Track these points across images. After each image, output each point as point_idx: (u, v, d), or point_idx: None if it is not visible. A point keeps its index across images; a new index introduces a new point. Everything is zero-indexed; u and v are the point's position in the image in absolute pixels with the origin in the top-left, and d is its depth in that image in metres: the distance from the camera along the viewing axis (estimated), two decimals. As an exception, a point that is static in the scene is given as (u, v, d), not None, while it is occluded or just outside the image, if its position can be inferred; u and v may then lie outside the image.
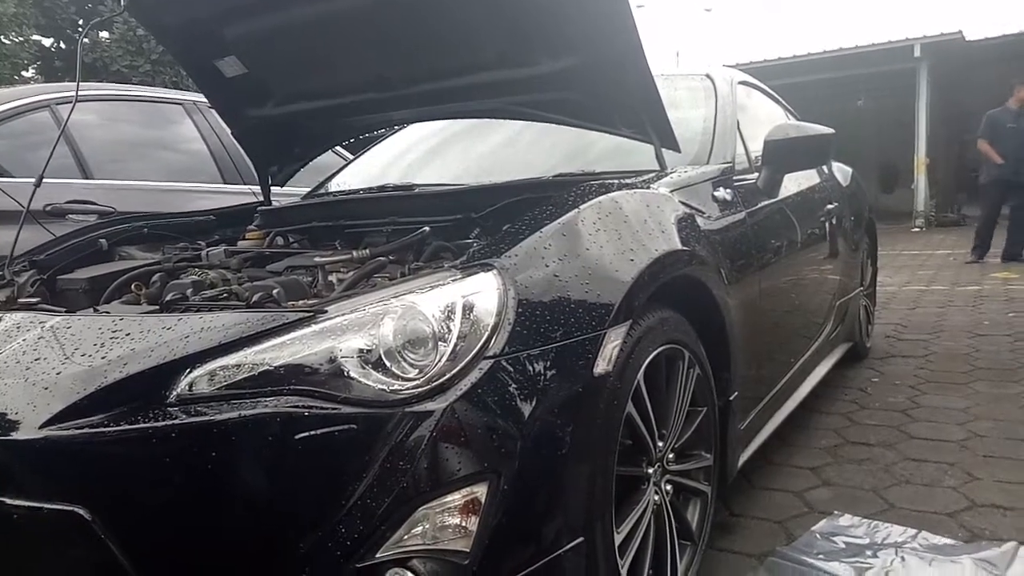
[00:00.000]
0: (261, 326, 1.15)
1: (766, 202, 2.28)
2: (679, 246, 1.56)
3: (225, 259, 2.05)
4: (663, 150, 1.97)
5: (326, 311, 1.18)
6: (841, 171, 3.72)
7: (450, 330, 1.15)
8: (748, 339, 1.99)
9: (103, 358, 1.15)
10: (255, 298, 1.38)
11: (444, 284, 1.20)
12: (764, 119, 2.90)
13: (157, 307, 1.57)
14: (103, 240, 2.23)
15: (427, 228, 1.84)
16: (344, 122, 2.49)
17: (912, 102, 13.86)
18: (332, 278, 1.73)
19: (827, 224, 2.97)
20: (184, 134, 3.73)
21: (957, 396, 3.05)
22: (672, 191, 1.77)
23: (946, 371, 3.47)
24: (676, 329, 1.54)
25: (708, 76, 2.63)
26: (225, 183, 3.72)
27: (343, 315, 1.16)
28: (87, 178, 3.22)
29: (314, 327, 1.15)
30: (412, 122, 2.51)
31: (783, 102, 3.43)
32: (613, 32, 1.75)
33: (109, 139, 3.45)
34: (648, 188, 1.70)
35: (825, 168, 3.30)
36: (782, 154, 2.28)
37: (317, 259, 1.72)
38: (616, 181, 1.67)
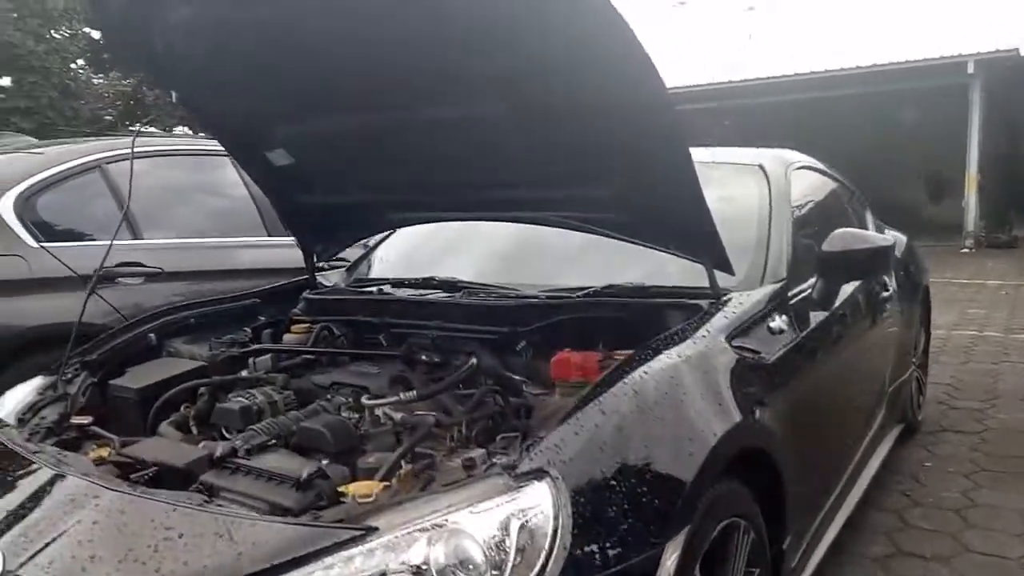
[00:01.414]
0: (313, 545, 1.13)
1: (821, 317, 2.20)
2: (739, 418, 1.51)
3: (271, 370, 2.05)
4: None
5: (377, 528, 1.15)
6: (895, 241, 3.60)
7: (505, 552, 1.12)
8: (801, 470, 1.93)
9: (156, 571, 1.14)
10: (305, 473, 1.36)
11: (497, 500, 1.16)
12: (821, 210, 2.81)
13: (205, 449, 1.57)
14: (152, 335, 2.24)
15: (474, 361, 1.82)
16: (392, 215, 2.47)
17: (962, 114, 13.45)
18: (379, 412, 1.72)
19: (882, 313, 2.88)
20: (230, 187, 3.75)
21: (1016, 492, 2.94)
22: (728, 337, 1.71)
23: (1004, 455, 3.34)
24: (734, 503, 1.49)
25: (761, 167, 2.54)
26: (269, 235, 3.73)
27: (393, 534, 1.14)
28: (135, 238, 3.25)
29: (364, 546, 1.13)
30: (460, 221, 2.47)
31: (842, 179, 3.31)
32: (668, 161, 1.70)
33: (156, 196, 3.48)
34: (704, 338, 1.64)
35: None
36: (839, 267, 2.21)
37: (364, 400, 1.70)
38: (673, 349, 1.57)
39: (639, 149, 1.71)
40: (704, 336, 1.66)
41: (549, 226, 2.16)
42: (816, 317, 2.17)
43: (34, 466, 1.50)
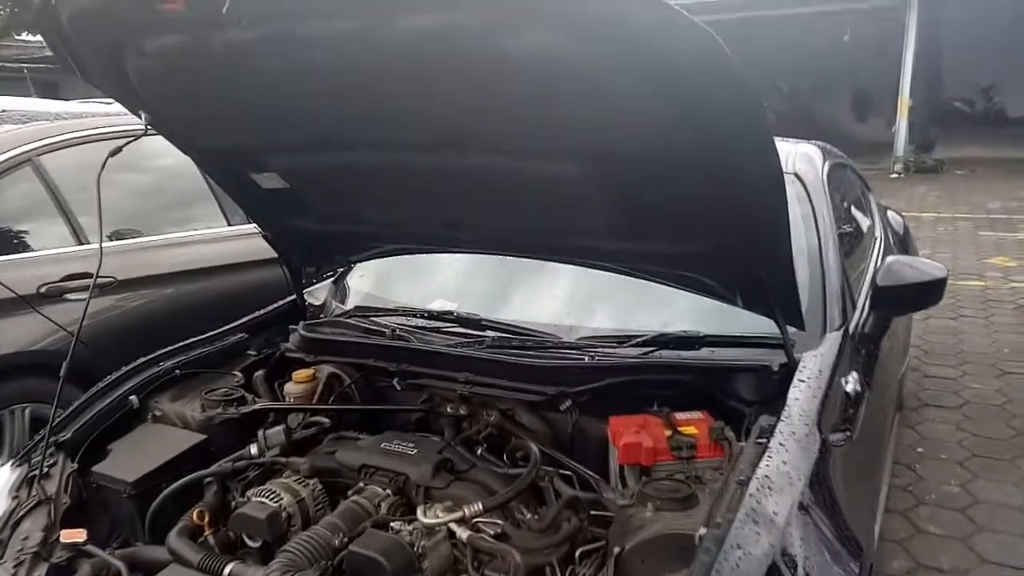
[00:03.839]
0: None
1: (873, 352, 2.09)
2: (863, 548, 1.37)
3: (286, 446, 1.79)
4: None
5: None
6: (896, 223, 3.52)
7: None
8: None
9: None
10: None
11: None
12: (850, 214, 2.66)
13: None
14: (133, 397, 1.94)
15: (536, 451, 1.62)
16: (410, 245, 2.16)
17: (894, 29, 13.41)
18: (430, 515, 1.52)
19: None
20: (181, 169, 3.30)
21: (1010, 484, 3.00)
22: (819, 424, 1.55)
23: (988, 437, 3.41)
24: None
25: (797, 177, 2.33)
26: (229, 225, 3.35)
27: None
28: (81, 243, 2.84)
29: None
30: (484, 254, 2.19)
31: (849, 162, 3.15)
32: (764, 217, 1.45)
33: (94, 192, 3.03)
34: (806, 437, 1.48)
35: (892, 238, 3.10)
36: (894, 300, 2.09)
37: (423, 519, 1.48)
38: (774, 462, 1.36)
39: (732, 205, 1.46)
40: (805, 433, 1.49)
41: (598, 269, 1.93)
42: (872, 355, 2.05)
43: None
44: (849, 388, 1.78)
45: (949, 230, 8.39)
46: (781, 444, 1.41)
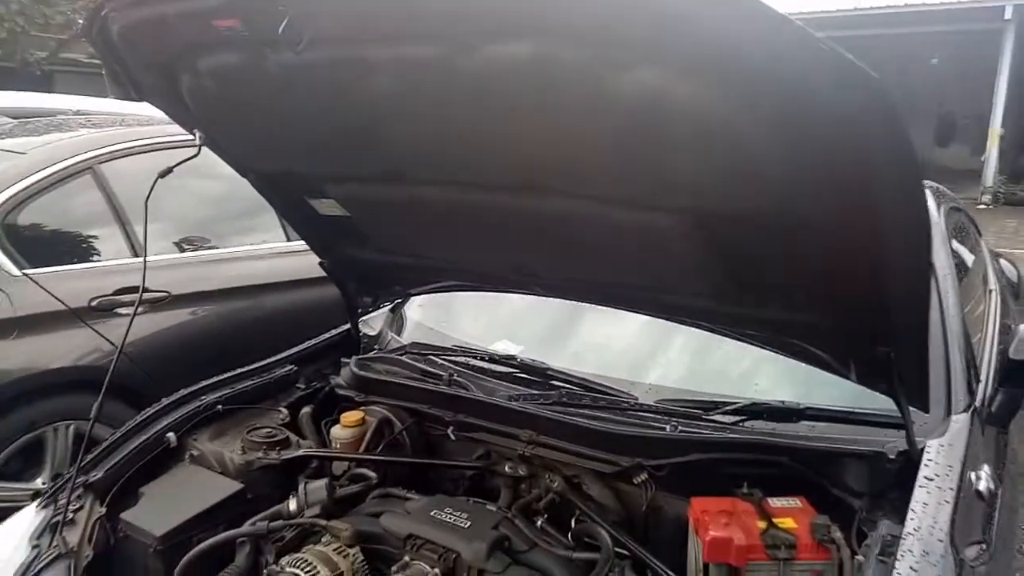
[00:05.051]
0: None
1: (1002, 437, 1.80)
2: None
3: (327, 505, 1.62)
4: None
5: None
6: (1009, 272, 3.18)
7: None
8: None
9: None
10: None
11: None
12: (966, 264, 2.36)
13: None
14: (171, 435, 1.80)
15: (611, 545, 1.41)
16: (468, 283, 1.99)
17: (987, 54, 12.66)
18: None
19: None
20: (243, 182, 3.22)
21: None
22: (952, 537, 1.28)
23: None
24: None
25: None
26: (288, 240, 3.23)
27: None
28: (136, 255, 2.74)
29: None
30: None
31: (961, 205, 2.84)
32: (903, 290, 1.20)
33: (158, 200, 2.95)
34: (942, 558, 1.22)
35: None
36: (1029, 375, 1.79)
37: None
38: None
39: (868, 276, 1.22)
40: (940, 553, 1.22)
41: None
42: (1000, 440, 1.76)
43: None
44: (982, 487, 1.50)
45: (1046, 271, 7.80)
46: (913, 569, 1.16)
